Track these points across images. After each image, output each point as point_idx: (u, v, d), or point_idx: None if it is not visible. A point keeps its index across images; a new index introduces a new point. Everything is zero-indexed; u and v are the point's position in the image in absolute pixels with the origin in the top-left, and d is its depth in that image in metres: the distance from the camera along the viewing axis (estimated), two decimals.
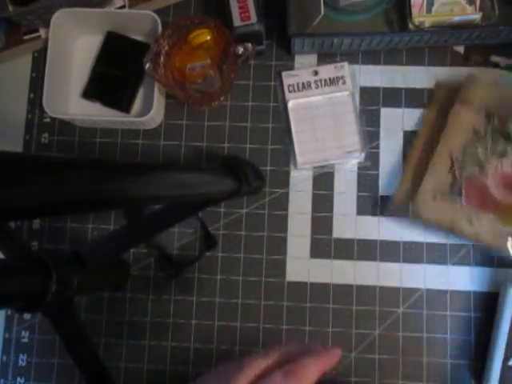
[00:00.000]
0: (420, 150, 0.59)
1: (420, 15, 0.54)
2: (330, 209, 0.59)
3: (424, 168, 0.57)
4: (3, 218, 0.34)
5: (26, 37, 0.63)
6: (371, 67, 0.62)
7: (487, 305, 0.57)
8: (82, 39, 0.64)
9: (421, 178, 0.56)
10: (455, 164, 0.55)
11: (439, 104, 0.59)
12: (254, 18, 0.56)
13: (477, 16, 0.54)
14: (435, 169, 0.56)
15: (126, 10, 0.62)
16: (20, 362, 0.59)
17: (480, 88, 0.57)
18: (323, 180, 0.60)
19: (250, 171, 0.53)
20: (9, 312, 0.60)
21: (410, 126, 0.60)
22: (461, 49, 0.61)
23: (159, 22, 0.58)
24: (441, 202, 0.54)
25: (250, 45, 0.56)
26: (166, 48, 0.57)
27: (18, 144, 0.63)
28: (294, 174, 0.60)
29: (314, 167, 0.60)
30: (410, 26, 0.55)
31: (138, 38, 0.63)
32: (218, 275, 0.59)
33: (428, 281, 0.58)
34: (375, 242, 0.58)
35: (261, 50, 0.60)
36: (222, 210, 0.60)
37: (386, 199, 0.59)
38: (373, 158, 0.60)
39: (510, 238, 0.53)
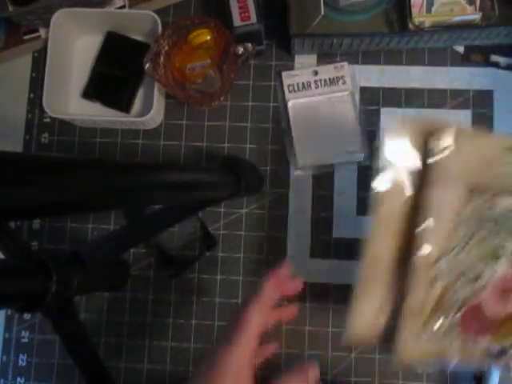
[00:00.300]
0: (382, 257, 0.38)
1: (420, 15, 0.54)
2: (330, 209, 0.59)
3: (398, 286, 0.38)
4: (3, 218, 0.34)
5: (25, 37, 0.63)
6: (371, 67, 0.62)
7: None
8: (82, 39, 0.64)
9: (397, 302, 0.39)
10: (439, 278, 0.37)
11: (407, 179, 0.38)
12: (253, 18, 0.56)
13: (477, 16, 0.54)
14: (415, 290, 0.38)
15: (126, 10, 0.62)
16: (20, 362, 0.59)
17: (464, 151, 0.37)
18: (323, 180, 0.60)
19: (250, 171, 0.53)
20: (9, 312, 0.60)
21: None
22: (461, 49, 0.61)
23: (159, 22, 0.58)
24: (429, 335, 0.38)
25: (249, 45, 0.56)
26: (166, 48, 0.57)
27: (18, 144, 0.63)
28: (294, 174, 0.60)
29: (314, 167, 0.60)
30: (410, 26, 0.55)
31: (138, 38, 0.63)
32: (218, 275, 0.59)
33: None
34: None
35: (261, 49, 0.60)
36: (222, 210, 0.60)
37: None
38: (373, 158, 0.60)
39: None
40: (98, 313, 0.59)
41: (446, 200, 0.37)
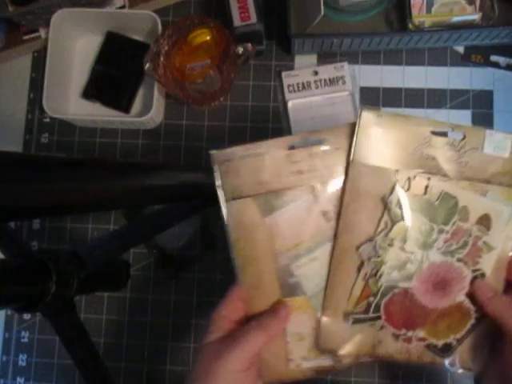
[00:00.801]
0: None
1: (420, 15, 0.54)
2: None
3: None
4: (3, 218, 0.34)
5: (25, 37, 0.63)
6: (371, 67, 0.62)
7: None
8: (82, 39, 0.64)
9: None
10: (365, 267, 0.35)
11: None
12: (253, 18, 0.56)
13: (476, 16, 0.54)
14: (339, 277, 0.36)
15: (125, 10, 0.62)
16: (20, 361, 0.59)
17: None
18: None
19: None
20: (9, 312, 0.60)
21: None
22: (461, 49, 0.61)
23: (159, 22, 0.58)
24: (353, 326, 0.36)
25: (249, 45, 0.56)
26: (166, 48, 0.57)
27: (18, 144, 0.63)
28: None
29: None
30: (410, 25, 0.55)
31: (138, 38, 0.63)
32: (218, 275, 0.59)
33: None
34: None
35: (261, 49, 0.60)
36: None
37: None
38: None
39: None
40: (98, 313, 0.59)
41: (369, 185, 0.35)
